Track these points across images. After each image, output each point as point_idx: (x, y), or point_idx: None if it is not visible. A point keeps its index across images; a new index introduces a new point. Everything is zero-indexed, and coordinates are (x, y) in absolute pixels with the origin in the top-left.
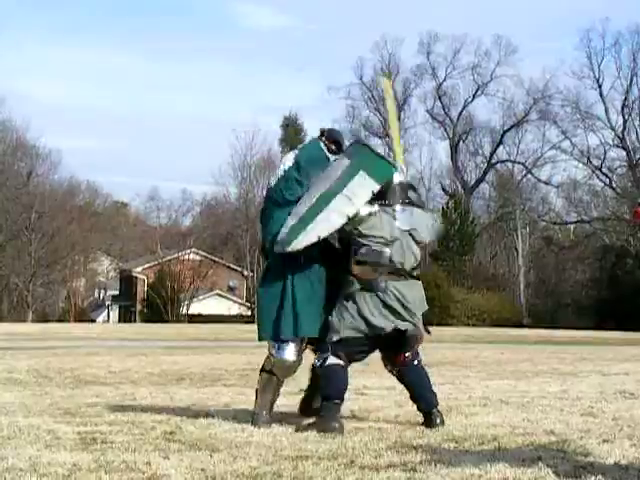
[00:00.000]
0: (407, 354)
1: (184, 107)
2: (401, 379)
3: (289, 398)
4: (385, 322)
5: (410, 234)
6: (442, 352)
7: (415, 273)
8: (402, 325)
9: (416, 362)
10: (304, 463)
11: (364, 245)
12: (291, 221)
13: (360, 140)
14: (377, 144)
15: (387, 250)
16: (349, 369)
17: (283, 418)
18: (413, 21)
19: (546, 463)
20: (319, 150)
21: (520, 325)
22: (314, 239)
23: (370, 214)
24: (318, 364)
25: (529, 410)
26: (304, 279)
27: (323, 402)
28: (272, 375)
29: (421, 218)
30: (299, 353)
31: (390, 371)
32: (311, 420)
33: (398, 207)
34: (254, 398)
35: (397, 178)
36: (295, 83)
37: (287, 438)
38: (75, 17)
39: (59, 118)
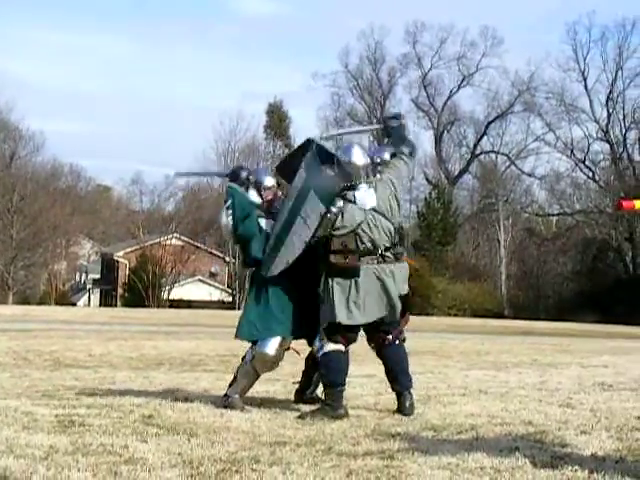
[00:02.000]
0: (388, 336)
1: (169, 91)
2: (380, 355)
3: (268, 384)
4: (363, 313)
5: (377, 211)
6: (423, 342)
7: (391, 253)
8: (379, 313)
9: (397, 342)
10: (282, 449)
11: (337, 237)
12: (270, 241)
13: (311, 141)
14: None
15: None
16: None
17: (262, 404)
18: (400, 10)
19: (523, 453)
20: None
21: (501, 316)
22: (285, 265)
23: (335, 214)
24: (318, 353)
25: (508, 400)
26: (280, 285)
27: (326, 389)
28: (251, 366)
29: (386, 190)
30: (280, 349)
31: (372, 348)
32: (313, 407)
33: (363, 186)
34: (229, 381)
35: (362, 159)
36: (281, 70)
37: (265, 424)
38: None
39: (43, 100)
